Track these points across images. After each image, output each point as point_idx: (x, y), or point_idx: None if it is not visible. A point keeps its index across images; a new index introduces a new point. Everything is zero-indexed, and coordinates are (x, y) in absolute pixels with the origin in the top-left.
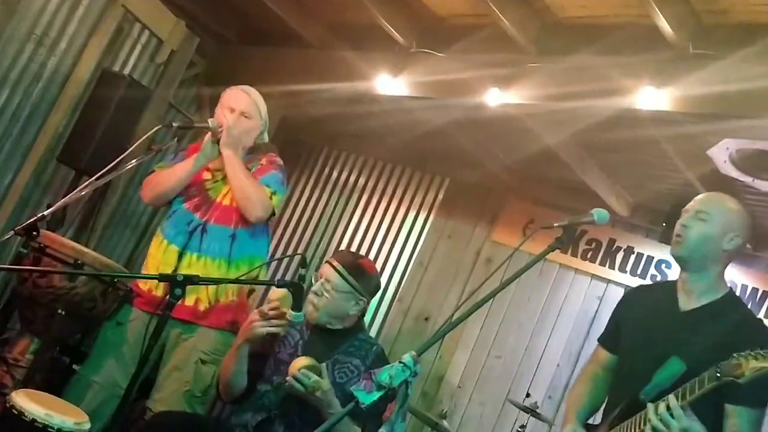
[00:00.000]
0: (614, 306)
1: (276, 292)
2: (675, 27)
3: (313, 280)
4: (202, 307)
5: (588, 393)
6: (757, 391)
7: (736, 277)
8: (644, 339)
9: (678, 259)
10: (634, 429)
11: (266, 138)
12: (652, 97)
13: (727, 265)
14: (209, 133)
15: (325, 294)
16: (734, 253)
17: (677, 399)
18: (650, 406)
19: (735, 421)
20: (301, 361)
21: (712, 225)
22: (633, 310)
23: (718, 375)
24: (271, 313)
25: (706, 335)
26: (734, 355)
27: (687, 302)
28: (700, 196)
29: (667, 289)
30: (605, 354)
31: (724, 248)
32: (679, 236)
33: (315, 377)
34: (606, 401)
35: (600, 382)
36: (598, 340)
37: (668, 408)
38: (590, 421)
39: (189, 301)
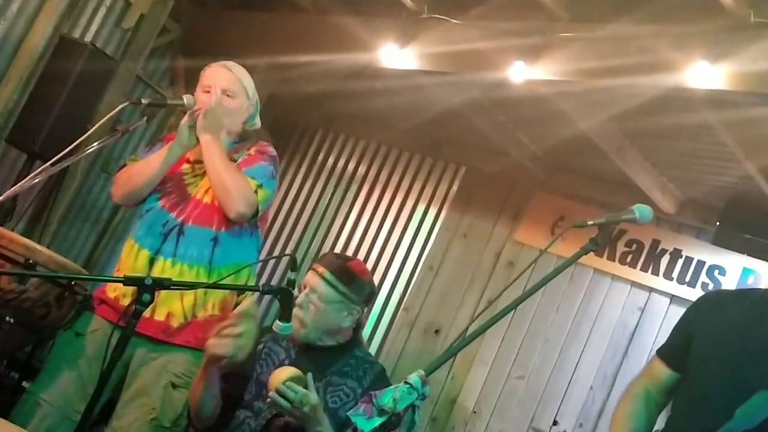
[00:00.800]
0: (659, 317)
1: (240, 306)
2: None
3: (297, 291)
4: (175, 323)
5: (638, 415)
6: None
7: None
8: (724, 361)
9: None
10: None
11: (258, 124)
12: (705, 73)
13: None
14: (186, 116)
15: (312, 306)
16: None
17: None
18: None
19: None
20: (283, 373)
21: None
22: (711, 320)
23: None
24: (223, 332)
25: None
26: None
27: None
28: None
29: (756, 300)
30: (665, 370)
31: None
32: None
33: (302, 390)
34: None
35: (652, 405)
36: (658, 351)
37: None
38: None
39: (159, 315)
